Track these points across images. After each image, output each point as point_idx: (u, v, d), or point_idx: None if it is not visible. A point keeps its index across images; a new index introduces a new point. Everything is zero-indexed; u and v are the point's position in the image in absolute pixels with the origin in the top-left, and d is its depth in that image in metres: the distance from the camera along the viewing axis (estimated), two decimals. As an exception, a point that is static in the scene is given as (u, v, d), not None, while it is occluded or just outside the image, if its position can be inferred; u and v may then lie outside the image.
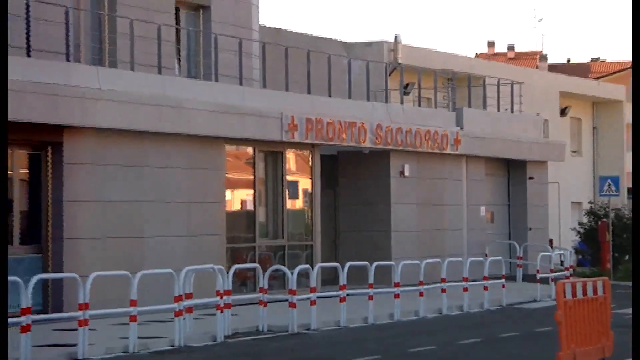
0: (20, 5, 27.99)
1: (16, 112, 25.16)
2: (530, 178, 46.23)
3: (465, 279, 31.98)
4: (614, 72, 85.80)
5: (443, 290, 30.50)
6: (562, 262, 42.32)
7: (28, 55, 27.46)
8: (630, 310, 24.35)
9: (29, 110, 25.58)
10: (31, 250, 26.87)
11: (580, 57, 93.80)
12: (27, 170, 27.38)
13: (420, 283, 30.03)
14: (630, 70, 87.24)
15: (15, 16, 28.04)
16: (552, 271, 38.40)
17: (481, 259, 35.00)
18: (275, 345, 22.43)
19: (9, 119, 24.91)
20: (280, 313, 25.50)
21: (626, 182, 57.17)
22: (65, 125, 26.92)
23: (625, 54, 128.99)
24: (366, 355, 20.64)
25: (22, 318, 19.36)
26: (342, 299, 26.75)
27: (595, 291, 17.42)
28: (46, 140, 26.94)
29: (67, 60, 28.88)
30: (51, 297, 25.87)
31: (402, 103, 41.91)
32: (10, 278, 21.55)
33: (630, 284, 36.73)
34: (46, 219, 27.22)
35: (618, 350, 17.73)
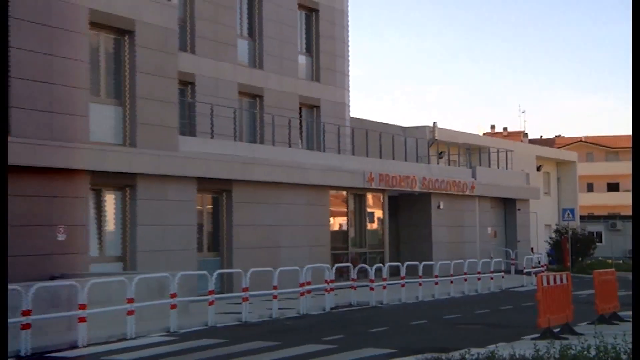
0: (207, 108, 28.44)
1: (205, 171, 25.61)
2: (519, 210, 45.78)
3: (479, 272, 31.74)
4: (569, 144, 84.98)
5: (465, 280, 30.34)
6: (539, 262, 41.70)
7: (212, 137, 27.87)
8: (583, 292, 24.00)
9: (213, 171, 26.00)
10: (213, 255, 27.08)
11: (548, 133, 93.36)
12: (211, 206, 27.49)
13: (451, 275, 29.96)
14: (580, 142, 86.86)
15: (203, 114, 28.53)
16: (532, 267, 38.00)
17: (488, 260, 34.69)
18: (361, 314, 22.40)
19: (201, 176, 25.41)
20: (364, 294, 25.49)
21: (579, 212, 56.49)
22: (233, 180, 27.14)
23: (577, 132, 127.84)
24: (418, 319, 20.66)
25: (209, 296, 19.73)
26: (403, 285, 26.77)
27: (561, 280, 17.31)
28: (222, 188, 27.15)
29: (234, 140, 29.31)
30: (226, 284, 26.03)
31: (438, 163, 41.80)
32: (201, 272, 21.88)
33: (583, 275, 36.33)
34: (223, 236, 27.40)
35: (576, 317, 17.56)
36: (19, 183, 19.83)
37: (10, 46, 19.80)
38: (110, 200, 23.18)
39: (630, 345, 11.81)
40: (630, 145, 75.17)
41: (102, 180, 22.35)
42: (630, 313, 20.42)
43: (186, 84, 29.00)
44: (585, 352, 11.66)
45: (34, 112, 20.28)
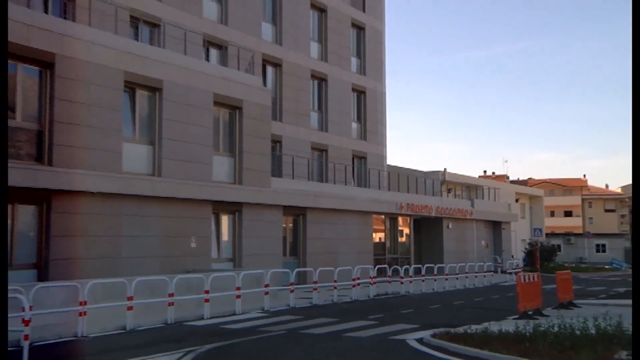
0: (289, 158, 28.71)
1: (288, 201, 25.69)
2: (503, 229, 45.13)
3: (476, 272, 31.37)
4: (538, 184, 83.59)
5: (466, 277, 30.02)
6: (517, 265, 41.10)
7: (293, 178, 28.10)
8: (548, 286, 23.48)
9: (293, 201, 26.04)
10: (292, 259, 27.02)
11: (523, 176, 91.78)
12: (292, 225, 27.49)
13: (456, 273, 29.61)
14: (545, 183, 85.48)
15: (287, 162, 28.77)
16: (513, 269, 37.49)
17: (483, 263, 34.20)
18: (394, 300, 22.14)
19: (285, 204, 25.47)
20: (396, 286, 25.31)
21: (545, 230, 55.48)
22: (307, 207, 27.20)
23: (543, 175, 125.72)
24: (434, 304, 20.39)
25: (290, 287, 19.59)
26: (423, 280, 26.36)
27: (533, 278, 17.09)
28: (299, 213, 27.12)
29: (308, 180, 29.47)
30: (301, 278, 25.92)
31: (447, 197, 41.45)
32: (285, 270, 21.85)
33: (548, 275, 35.46)
34: (299, 245, 27.31)
35: (544, 304, 17.26)
36: (168, 208, 20.31)
37: (164, 118, 20.46)
38: (225, 221, 23.44)
39: (582, 324, 11.67)
40: (580, 185, 72.81)
41: (220, 207, 22.71)
42: (582, 301, 20.12)
43: (276, 142, 29.33)
44: (550, 329, 11.55)
45: (177, 161, 20.75)
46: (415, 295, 24.46)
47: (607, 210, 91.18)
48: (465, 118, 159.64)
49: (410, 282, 25.60)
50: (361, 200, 30.53)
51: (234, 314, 16.93)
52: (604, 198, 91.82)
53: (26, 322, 10.22)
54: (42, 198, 16.86)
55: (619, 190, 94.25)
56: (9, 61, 16.37)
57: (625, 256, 61.31)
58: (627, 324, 11.55)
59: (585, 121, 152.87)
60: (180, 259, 20.52)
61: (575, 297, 19.96)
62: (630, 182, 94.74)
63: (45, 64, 17.16)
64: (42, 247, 16.87)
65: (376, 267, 27.00)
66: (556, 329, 11.50)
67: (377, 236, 33.38)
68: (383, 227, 33.73)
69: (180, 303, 15.97)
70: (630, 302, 19.37)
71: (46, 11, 20.27)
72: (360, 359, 10.50)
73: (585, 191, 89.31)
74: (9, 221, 16.31)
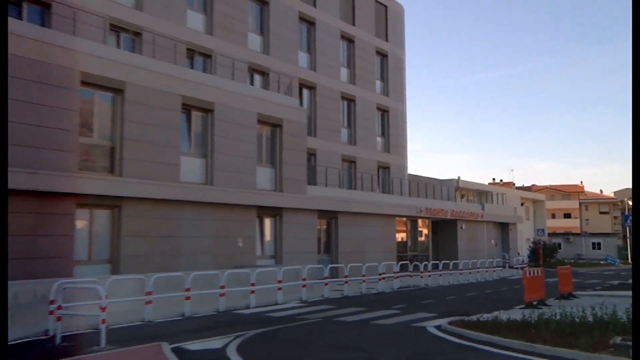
0: (323, 169, 28.69)
1: (321, 206, 25.59)
2: (510, 229, 44.51)
3: (486, 267, 31.05)
4: (540, 189, 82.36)
5: (478, 272, 29.70)
6: (523, 261, 40.55)
7: (326, 185, 28.12)
8: (550, 280, 23.22)
9: (326, 206, 25.88)
10: (326, 256, 26.71)
11: (527, 183, 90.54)
12: (325, 227, 27.27)
13: (469, 268, 29.33)
14: (547, 189, 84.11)
15: (321, 172, 28.73)
16: (519, 264, 36.97)
17: (492, 259, 33.86)
18: (415, 292, 21.98)
19: (319, 209, 25.42)
20: (417, 280, 25.19)
21: (547, 230, 54.58)
22: (338, 211, 27.12)
23: (544, 182, 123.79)
24: (450, 296, 20.22)
25: (325, 280, 19.57)
26: (440, 275, 26.26)
27: (537, 272, 16.89)
28: (332, 216, 26.91)
29: (339, 187, 29.46)
30: (334, 272, 25.65)
31: (461, 201, 41.08)
32: (319, 266, 21.89)
33: (550, 269, 34.84)
34: (332, 244, 27.04)
35: (547, 295, 17.02)
36: (219, 212, 20.54)
37: (215, 135, 20.74)
38: (267, 223, 23.49)
39: (581, 313, 11.53)
40: (577, 190, 71.70)
41: (263, 211, 22.81)
42: (581, 293, 19.77)
43: (311, 155, 29.34)
44: (553, 317, 11.44)
45: (226, 172, 20.95)
46: (433, 287, 24.28)
47: (601, 213, 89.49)
48: (475, 131, 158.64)
49: (429, 276, 25.41)
50: (385, 205, 30.43)
51: (276, 304, 17.01)
52: (599, 202, 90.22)
53: (103, 309, 10.49)
54: (114, 204, 17.26)
55: (612, 195, 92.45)
56: (86, 89, 16.87)
57: (618, 253, 60.03)
58: (621, 313, 11.39)
59: (581, 133, 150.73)
60: (229, 256, 20.70)
61: (574, 289, 19.65)
62: (621, 187, 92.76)
63: (117, 90, 17.63)
64: (115, 245, 17.27)
65: (399, 263, 26.83)
66: (558, 317, 11.40)
67: (400, 236, 33.16)
68: (405, 228, 33.53)
69: (230, 294, 16.11)
70: (623, 292, 19.04)
71: (118, 46, 20.81)
72: (386, 343, 10.54)
73: (582, 196, 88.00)
74: (88, 224, 16.79)
